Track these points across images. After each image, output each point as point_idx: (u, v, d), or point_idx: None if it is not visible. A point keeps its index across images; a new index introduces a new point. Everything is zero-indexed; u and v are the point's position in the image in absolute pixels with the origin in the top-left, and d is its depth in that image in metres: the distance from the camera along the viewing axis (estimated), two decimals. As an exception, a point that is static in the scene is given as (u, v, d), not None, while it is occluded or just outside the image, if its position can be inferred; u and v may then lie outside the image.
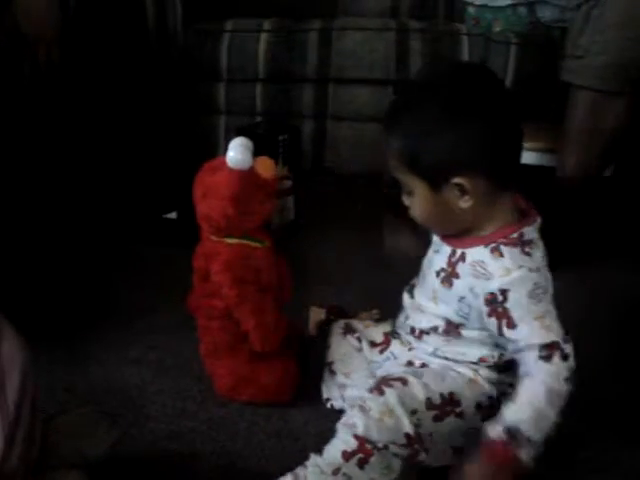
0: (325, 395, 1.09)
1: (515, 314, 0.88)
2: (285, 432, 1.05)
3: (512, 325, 0.88)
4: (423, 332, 0.99)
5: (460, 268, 0.93)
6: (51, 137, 1.50)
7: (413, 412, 0.90)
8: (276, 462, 0.98)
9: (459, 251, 0.94)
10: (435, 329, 0.97)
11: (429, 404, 0.91)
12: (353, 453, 0.88)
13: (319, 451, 0.91)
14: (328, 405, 1.08)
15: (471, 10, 2.10)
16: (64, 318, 1.30)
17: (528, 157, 1.46)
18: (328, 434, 0.96)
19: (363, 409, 0.89)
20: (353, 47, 1.92)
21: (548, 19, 2.00)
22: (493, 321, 0.90)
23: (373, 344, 1.08)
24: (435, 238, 1.00)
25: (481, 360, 0.95)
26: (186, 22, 1.96)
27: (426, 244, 1.03)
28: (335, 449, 0.89)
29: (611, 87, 1.43)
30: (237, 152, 0.99)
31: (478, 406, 0.94)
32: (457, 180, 0.87)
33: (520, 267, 0.88)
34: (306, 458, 0.90)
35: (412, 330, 1.01)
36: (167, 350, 1.23)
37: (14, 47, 1.39)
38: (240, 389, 1.08)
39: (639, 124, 1.46)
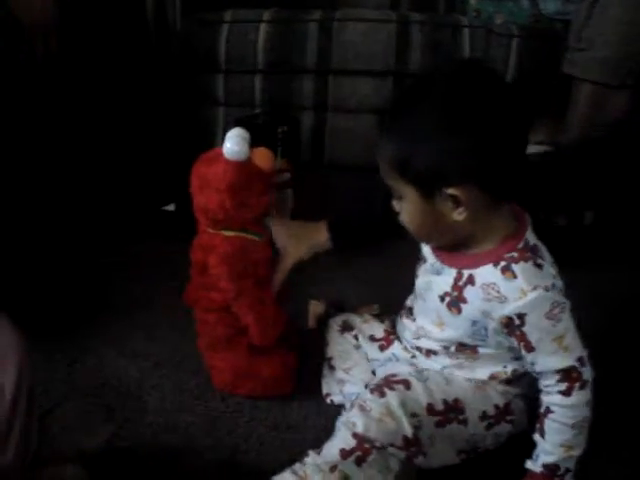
0: (325, 390, 1.09)
1: (533, 337, 0.85)
2: (284, 426, 1.04)
3: (530, 349, 0.86)
4: (431, 352, 0.96)
5: (469, 292, 0.89)
6: (48, 128, 1.49)
7: (414, 415, 0.89)
8: (275, 456, 0.98)
9: (466, 273, 0.89)
10: (446, 348, 0.94)
11: (431, 410, 0.90)
12: (351, 451, 0.87)
13: (318, 447, 0.90)
14: (328, 400, 1.08)
15: (473, 2, 2.09)
16: (61, 312, 1.29)
17: (530, 150, 1.44)
18: (327, 428, 0.96)
19: (363, 409, 0.88)
20: (354, 38, 1.90)
21: (551, 11, 1.98)
22: (514, 340, 0.88)
23: (373, 338, 1.07)
24: (430, 257, 0.95)
25: (492, 377, 0.93)
26: (185, 12, 1.94)
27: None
28: (334, 447, 0.88)
29: (614, 80, 1.42)
30: (233, 143, 0.98)
31: (484, 414, 0.92)
32: (451, 191, 0.82)
33: (535, 288, 0.84)
34: (305, 452, 0.90)
35: (418, 348, 0.98)
36: (165, 343, 1.22)
37: (10, 36, 1.37)
38: (239, 383, 1.07)
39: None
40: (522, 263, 0.85)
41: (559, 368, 0.86)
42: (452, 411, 0.91)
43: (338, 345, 1.09)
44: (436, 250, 0.94)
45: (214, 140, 1.96)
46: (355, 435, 0.87)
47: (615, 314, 1.32)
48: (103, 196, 1.58)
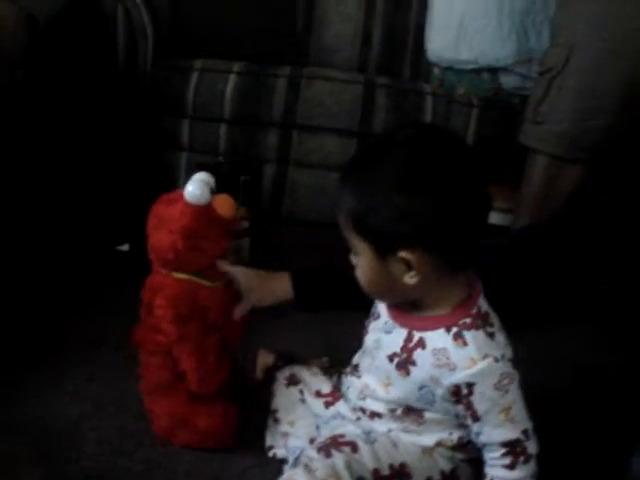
0: (268, 443, 1.06)
1: (480, 407, 0.85)
2: (224, 478, 1.01)
3: (476, 418, 0.85)
4: (376, 414, 0.94)
5: (419, 356, 0.87)
6: (6, 163, 1.46)
7: (359, 478, 0.87)
8: (213, 509, 0.95)
9: (417, 335, 0.88)
10: (392, 411, 0.92)
11: (377, 474, 0.88)
12: None
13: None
14: (270, 453, 1.05)
15: (436, 71, 2.17)
16: (5, 350, 1.24)
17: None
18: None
19: (309, 469, 0.86)
20: (320, 96, 1.95)
21: (510, 86, 2.07)
22: (461, 408, 0.87)
23: (319, 394, 1.05)
24: (384, 315, 0.94)
25: (438, 444, 0.91)
26: (156, 57, 1.96)
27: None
28: None
29: (567, 154, 1.48)
30: (196, 186, 0.97)
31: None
32: (403, 254, 0.81)
33: (485, 357, 0.83)
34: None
35: (362, 410, 0.96)
36: (108, 385, 1.18)
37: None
38: (176, 432, 1.04)
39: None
40: (474, 331, 0.85)
41: (504, 441, 0.85)
42: (398, 476, 0.89)
43: (284, 397, 1.07)
44: (390, 308, 0.93)
45: (175, 184, 1.96)
46: None
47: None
48: (57, 232, 1.55)
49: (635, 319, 1.49)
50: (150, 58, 1.95)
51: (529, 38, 2.04)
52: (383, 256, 0.83)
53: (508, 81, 2.08)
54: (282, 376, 1.09)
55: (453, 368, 0.84)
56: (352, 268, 0.89)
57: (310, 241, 1.91)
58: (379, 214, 0.81)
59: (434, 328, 0.87)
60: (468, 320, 0.86)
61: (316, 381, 1.06)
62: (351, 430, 0.94)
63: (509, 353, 0.87)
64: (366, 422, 0.95)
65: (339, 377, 1.06)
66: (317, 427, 1.03)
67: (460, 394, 0.85)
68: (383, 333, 0.93)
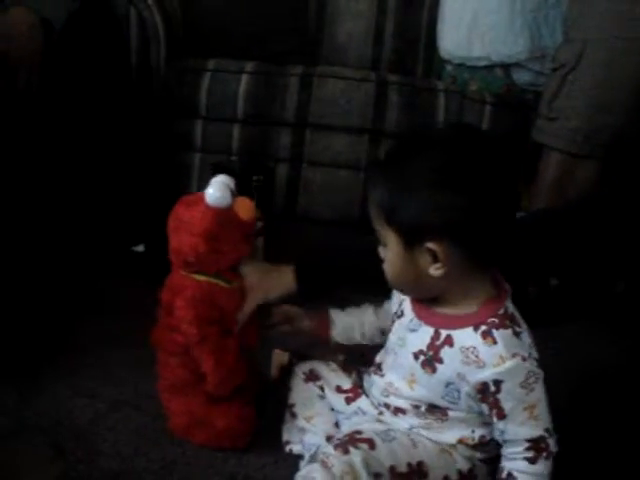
0: (285, 438, 1.07)
1: (506, 405, 0.85)
2: (241, 476, 1.02)
3: (502, 416, 0.86)
4: (400, 410, 0.95)
5: (446, 353, 0.88)
6: (23, 163, 1.48)
7: (376, 475, 0.87)
8: (229, 507, 0.95)
9: (444, 333, 0.89)
10: (417, 408, 0.93)
11: (394, 472, 0.88)
12: None
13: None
14: (287, 449, 1.06)
15: (449, 68, 2.16)
16: (20, 348, 1.26)
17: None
18: (285, 480, 0.94)
19: (325, 465, 0.86)
20: (333, 95, 1.95)
21: (523, 82, 2.06)
22: (486, 406, 0.88)
23: (339, 389, 1.05)
24: (409, 314, 0.94)
25: (459, 441, 0.92)
26: (169, 58, 1.97)
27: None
28: None
29: (581, 150, 1.47)
30: (216, 189, 0.97)
31: (445, 479, 0.91)
32: (430, 245, 0.84)
33: (514, 356, 0.84)
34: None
35: (386, 405, 0.96)
36: (125, 385, 1.19)
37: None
38: (193, 431, 1.05)
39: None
40: (502, 330, 0.86)
41: (529, 437, 0.86)
42: (415, 474, 0.89)
43: (302, 392, 1.07)
44: (416, 306, 0.94)
45: (188, 184, 1.97)
46: None
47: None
48: (74, 233, 1.57)
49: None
50: (163, 60, 1.96)
51: (542, 34, 2.03)
52: (410, 247, 0.85)
53: (521, 77, 2.06)
54: (301, 370, 1.09)
55: (482, 365, 0.85)
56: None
57: (325, 239, 1.91)
58: (410, 206, 0.83)
59: (462, 326, 0.88)
60: (496, 319, 0.87)
61: (336, 377, 1.07)
62: (369, 427, 0.95)
63: (535, 353, 0.87)
64: (389, 417, 0.96)
65: (358, 373, 1.06)
66: (338, 423, 1.04)
67: (487, 391, 0.86)
68: (408, 331, 0.93)
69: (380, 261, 0.91)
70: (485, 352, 0.85)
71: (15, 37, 1.40)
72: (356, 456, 0.87)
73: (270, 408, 1.11)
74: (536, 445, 0.86)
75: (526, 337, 0.88)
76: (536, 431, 0.86)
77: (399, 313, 0.97)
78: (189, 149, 2.00)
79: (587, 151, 1.46)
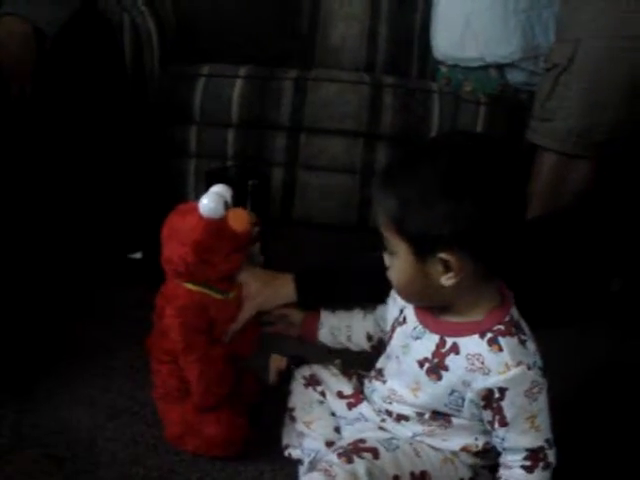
0: (284, 441, 1.07)
1: (509, 413, 0.85)
2: (239, 483, 1.02)
3: (504, 424, 0.86)
4: (402, 417, 0.94)
5: (452, 361, 0.88)
6: (17, 171, 1.48)
7: None
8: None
9: (449, 341, 0.88)
10: (420, 415, 0.93)
11: None
12: None
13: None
14: (286, 453, 1.06)
15: (443, 69, 2.16)
16: (16, 357, 1.26)
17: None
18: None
19: (329, 474, 0.86)
20: (327, 98, 1.95)
21: (517, 82, 2.06)
22: (489, 413, 0.87)
23: (340, 395, 1.05)
24: (412, 321, 0.94)
25: (463, 449, 0.92)
26: (163, 64, 1.97)
27: None
28: None
29: (575, 150, 1.47)
30: (210, 200, 0.96)
31: None
32: (443, 255, 0.83)
33: (519, 364, 0.84)
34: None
35: (388, 412, 0.96)
36: (122, 393, 1.19)
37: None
38: (186, 439, 1.05)
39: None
40: (508, 337, 0.86)
41: (528, 447, 0.86)
42: None
43: (301, 397, 1.07)
44: (420, 314, 0.93)
45: (184, 190, 1.97)
46: None
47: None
48: (71, 240, 1.57)
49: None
50: (157, 66, 1.96)
51: (535, 33, 2.03)
52: (422, 257, 0.85)
53: (515, 77, 2.07)
54: (301, 375, 1.09)
55: (487, 372, 0.85)
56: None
57: (322, 242, 1.91)
58: (422, 216, 0.83)
59: (468, 334, 0.88)
60: (502, 327, 0.87)
61: (337, 382, 1.06)
62: (373, 436, 0.94)
63: (539, 361, 0.87)
64: (391, 424, 0.95)
65: (358, 378, 1.06)
66: (339, 427, 1.04)
67: (491, 398, 0.86)
68: (412, 339, 0.93)
69: (383, 276, 0.90)
70: (491, 359, 0.85)
71: (8, 46, 1.40)
72: (360, 466, 0.87)
73: (268, 414, 1.11)
74: (535, 455, 0.86)
75: (531, 345, 0.88)
76: (536, 441, 0.86)
77: (401, 320, 0.96)
78: (184, 155, 2.00)
79: (581, 151, 1.46)
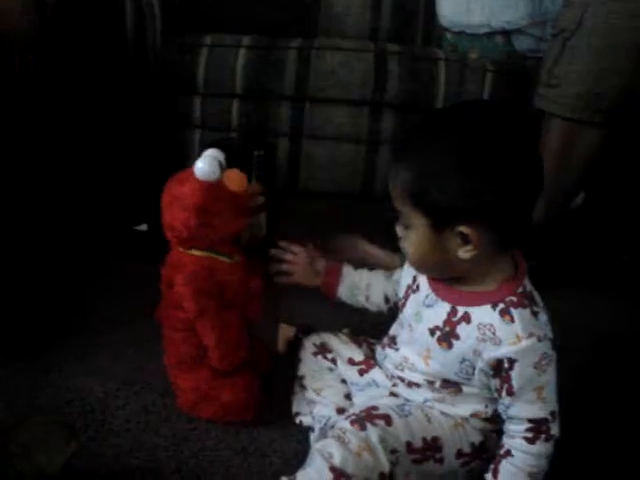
0: (294, 409, 1.08)
1: (516, 383, 0.86)
2: (252, 449, 1.03)
3: (511, 393, 0.87)
4: (414, 384, 0.95)
5: (463, 330, 0.88)
6: (22, 145, 1.47)
7: (393, 451, 0.88)
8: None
9: (461, 310, 0.89)
10: (431, 383, 0.93)
11: (410, 447, 0.89)
12: None
13: (286, 472, 0.89)
14: (297, 420, 1.07)
15: (449, 36, 2.13)
16: (28, 327, 1.27)
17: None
18: (295, 452, 0.95)
19: (342, 440, 0.87)
20: (331, 67, 1.93)
21: (524, 48, 2.04)
22: (497, 381, 0.88)
23: (351, 361, 1.05)
24: (425, 289, 0.94)
25: (473, 415, 0.93)
26: (165, 34, 1.95)
27: None
28: (308, 476, 0.86)
29: (583, 116, 1.45)
30: (205, 163, 0.97)
31: (459, 452, 0.92)
32: (462, 228, 0.83)
33: (530, 335, 0.84)
34: (271, 476, 0.88)
35: (400, 378, 0.97)
36: (133, 362, 1.20)
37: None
38: (200, 406, 1.06)
39: (610, 153, 1.47)
40: (520, 309, 0.86)
41: (531, 417, 0.87)
42: (430, 449, 0.90)
43: (311, 364, 1.08)
44: (432, 282, 0.93)
45: (189, 162, 1.95)
46: (332, 469, 0.85)
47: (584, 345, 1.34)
48: (77, 215, 1.57)
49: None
50: (159, 36, 1.94)
51: (542, -1, 2.00)
52: (440, 230, 0.84)
53: (522, 44, 2.04)
54: (310, 343, 1.10)
55: (498, 343, 0.86)
56: None
57: (328, 212, 1.91)
58: (441, 191, 0.82)
59: (480, 304, 0.88)
60: (515, 298, 0.87)
61: (347, 349, 1.07)
62: (385, 402, 0.95)
63: (550, 333, 0.87)
64: (403, 389, 0.96)
65: (368, 345, 1.07)
66: (350, 394, 1.05)
67: (500, 368, 0.86)
68: (424, 307, 0.93)
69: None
70: (502, 330, 0.86)
71: (8, 15, 1.39)
72: (373, 433, 0.87)
73: (279, 382, 1.12)
74: (537, 426, 0.87)
75: (543, 316, 0.88)
76: (540, 412, 0.87)
77: (414, 288, 0.97)
78: (189, 126, 1.99)
79: (590, 117, 1.44)
